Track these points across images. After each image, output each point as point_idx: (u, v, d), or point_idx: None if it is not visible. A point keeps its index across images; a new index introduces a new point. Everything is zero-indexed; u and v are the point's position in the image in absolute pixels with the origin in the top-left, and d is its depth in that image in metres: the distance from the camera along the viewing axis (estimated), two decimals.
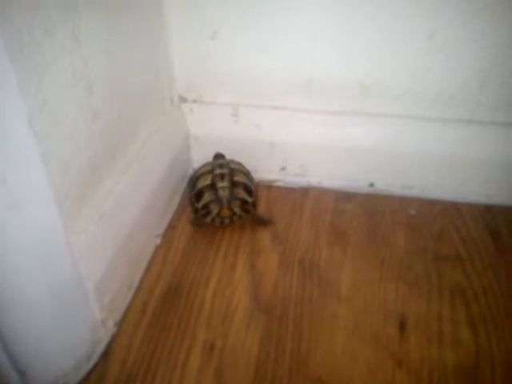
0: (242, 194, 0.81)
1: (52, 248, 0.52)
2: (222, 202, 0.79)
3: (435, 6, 0.74)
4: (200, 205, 0.80)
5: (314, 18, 0.79)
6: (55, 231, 0.52)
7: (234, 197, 0.80)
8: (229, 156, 0.89)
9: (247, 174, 0.85)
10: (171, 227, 0.83)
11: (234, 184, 0.81)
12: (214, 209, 0.79)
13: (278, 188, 0.92)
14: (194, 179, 0.84)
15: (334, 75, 0.84)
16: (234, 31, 0.82)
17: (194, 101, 0.90)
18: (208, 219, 0.80)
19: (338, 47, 0.81)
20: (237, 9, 0.80)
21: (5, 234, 0.46)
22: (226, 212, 0.80)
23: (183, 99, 0.90)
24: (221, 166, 0.83)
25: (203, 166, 0.86)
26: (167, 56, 0.84)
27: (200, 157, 0.93)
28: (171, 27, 0.82)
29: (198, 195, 0.81)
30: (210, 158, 0.92)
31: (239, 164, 0.85)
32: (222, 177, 0.81)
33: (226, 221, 0.81)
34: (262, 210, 0.86)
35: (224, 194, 0.80)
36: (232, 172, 0.82)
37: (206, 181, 0.81)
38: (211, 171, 0.82)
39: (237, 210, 0.80)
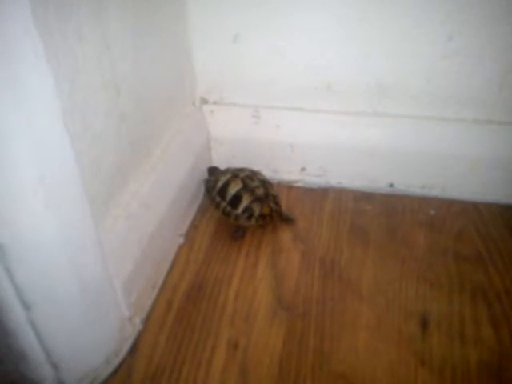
0: (272, 189, 0.83)
1: (84, 247, 0.54)
2: (262, 201, 0.80)
3: (453, 9, 0.75)
4: (240, 209, 0.79)
5: (334, 21, 0.80)
6: (87, 230, 0.54)
7: (268, 193, 0.82)
8: (249, 157, 0.91)
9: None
10: (193, 227, 0.85)
11: (263, 182, 0.83)
12: (257, 208, 0.79)
13: (298, 188, 0.93)
14: (220, 188, 0.81)
15: (354, 77, 0.85)
16: (255, 34, 0.83)
17: (215, 102, 0.91)
18: (252, 221, 0.80)
19: (357, 49, 0.82)
20: (258, 13, 0.81)
21: (41, 233, 0.47)
22: (266, 209, 0.80)
23: (205, 101, 0.91)
24: (241, 170, 0.84)
25: (220, 176, 0.83)
26: (190, 58, 0.86)
27: (220, 158, 0.94)
28: (194, 31, 0.83)
29: (236, 200, 0.79)
30: (230, 158, 0.94)
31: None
32: (251, 178, 0.82)
33: (268, 219, 0.81)
34: (282, 209, 0.87)
35: (260, 192, 0.80)
36: (254, 172, 0.84)
37: (237, 185, 0.80)
38: (236, 175, 0.82)
39: (273, 205, 0.81)
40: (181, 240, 0.81)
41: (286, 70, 0.86)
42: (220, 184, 0.82)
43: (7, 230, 0.44)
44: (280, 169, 0.94)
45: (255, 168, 0.89)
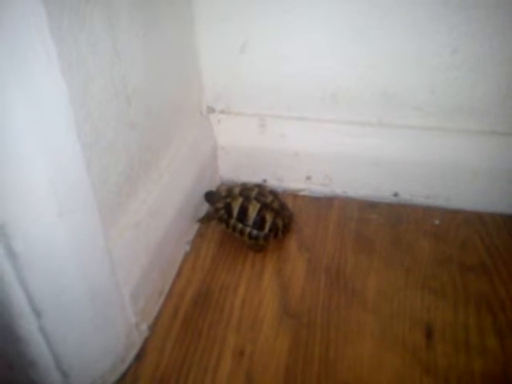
0: (282, 199, 0.85)
1: (93, 254, 0.55)
2: (280, 214, 0.81)
3: (458, 22, 0.76)
4: (267, 229, 0.79)
5: (340, 31, 0.81)
6: (96, 238, 0.55)
7: (282, 204, 0.83)
8: (255, 166, 0.92)
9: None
10: (200, 235, 0.85)
11: (273, 194, 0.83)
12: (280, 222, 0.81)
13: (303, 197, 0.94)
14: (239, 215, 0.79)
15: (359, 87, 0.86)
16: (262, 44, 0.84)
17: (222, 111, 0.92)
18: (279, 236, 0.81)
19: (363, 60, 0.83)
20: (264, 24, 0.83)
21: (53, 240, 0.48)
22: (286, 220, 0.83)
23: (211, 110, 0.92)
24: (248, 189, 0.82)
25: (230, 201, 0.80)
26: (197, 68, 0.87)
27: (226, 166, 0.95)
28: (201, 40, 0.85)
29: (261, 222, 0.79)
30: (236, 167, 0.94)
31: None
32: (263, 194, 0.81)
33: (288, 228, 0.83)
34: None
35: (276, 206, 0.81)
36: (260, 187, 0.84)
37: (255, 207, 0.79)
38: (248, 197, 0.80)
39: (288, 213, 0.84)
40: (187, 248, 0.82)
41: (291, 80, 0.87)
42: (236, 210, 0.79)
43: (21, 239, 0.44)
44: (285, 178, 0.94)
45: (261, 176, 0.90)
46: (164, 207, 0.73)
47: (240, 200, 0.80)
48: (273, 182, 0.94)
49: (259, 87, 0.89)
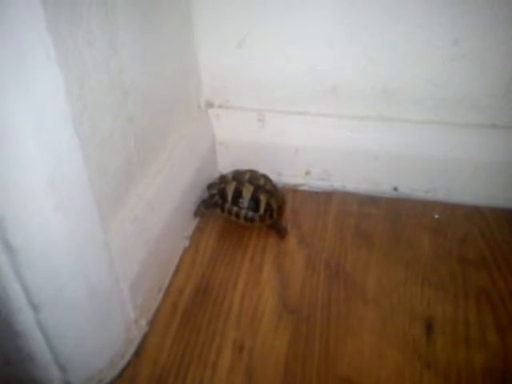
0: (273, 181, 0.86)
1: (91, 249, 0.54)
2: (274, 194, 0.82)
3: (459, 13, 0.75)
4: (262, 210, 0.80)
5: (339, 25, 0.80)
6: (94, 232, 0.54)
7: (274, 186, 0.85)
8: (254, 161, 0.91)
9: None
10: (199, 229, 0.85)
11: (265, 177, 0.84)
12: (274, 203, 0.81)
13: (303, 192, 0.94)
14: (233, 198, 0.81)
15: (359, 81, 0.85)
16: (261, 39, 0.84)
17: (221, 106, 0.92)
18: (274, 216, 0.81)
19: (362, 53, 0.82)
20: (262, 18, 0.82)
21: (50, 234, 0.48)
22: (280, 200, 0.84)
23: (210, 105, 0.92)
24: (241, 174, 0.84)
25: (224, 186, 0.82)
26: (195, 62, 0.86)
27: (225, 161, 0.95)
28: (200, 35, 0.84)
29: (255, 204, 0.80)
30: (235, 162, 0.94)
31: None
32: (255, 177, 0.83)
33: (282, 209, 0.84)
34: (287, 213, 0.88)
35: (269, 187, 0.83)
36: (253, 171, 0.85)
37: (248, 190, 0.80)
38: (241, 181, 0.82)
39: (280, 195, 0.85)
40: (186, 243, 0.81)
41: (290, 74, 0.86)
42: (231, 194, 0.81)
43: (18, 232, 0.44)
44: (285, 172, 0.94)
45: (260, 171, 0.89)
46: (162, 202, 0.73)
47: (233, 184, 0.82)
48: (272, 177, 0.92)
49: (258, 81, 0.88)
